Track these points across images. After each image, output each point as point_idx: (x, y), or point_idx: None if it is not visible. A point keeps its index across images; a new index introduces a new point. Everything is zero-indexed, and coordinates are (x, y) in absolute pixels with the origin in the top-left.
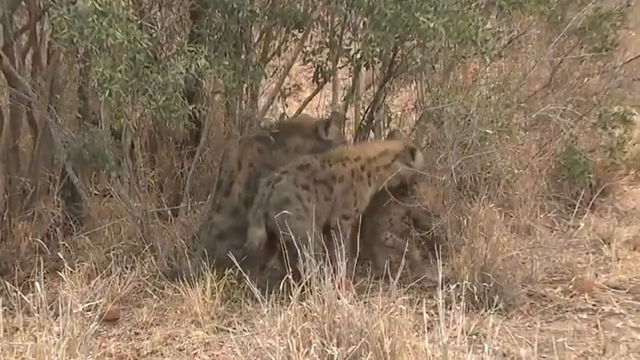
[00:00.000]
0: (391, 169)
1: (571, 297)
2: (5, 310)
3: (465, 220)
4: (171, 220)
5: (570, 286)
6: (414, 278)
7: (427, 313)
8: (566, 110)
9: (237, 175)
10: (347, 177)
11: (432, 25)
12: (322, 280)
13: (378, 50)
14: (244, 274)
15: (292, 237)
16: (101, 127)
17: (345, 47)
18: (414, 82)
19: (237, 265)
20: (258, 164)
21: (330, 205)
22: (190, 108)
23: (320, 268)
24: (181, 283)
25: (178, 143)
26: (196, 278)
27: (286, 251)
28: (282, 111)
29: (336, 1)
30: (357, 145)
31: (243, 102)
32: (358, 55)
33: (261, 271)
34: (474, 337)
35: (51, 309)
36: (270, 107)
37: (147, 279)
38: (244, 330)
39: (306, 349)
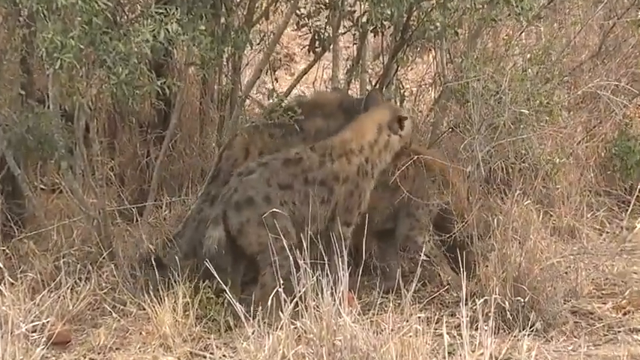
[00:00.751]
0: (389, 149)
1: (624, 314)
2: None
3: (495, 221)
4: (135, 220)
5: (623, 302)
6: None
7: (448, 334)
8: (619, 86)
9: (242, 165)
10: (352, 176)
11: None
12: (320, 294)
13: (388, 12)
14: (223, 286)
15: (247, 248)
16: (49, 107)
17: (349, 9)
18: (432, 51)
19: (215, 274)
20: (269, 153)
21: (327, 210)
22: (159, 83)
23: (317, 279)
24: (147, 297)
25: (143, 126)
26: (165, 291)
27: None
28: (272, 87)
29: None
30: (349, 129)
31: (224, 76)
32: (364, 19)
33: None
34: None
35: None
36: (257, 82)
37: (105, 293)
38: (224, 355)
39: None
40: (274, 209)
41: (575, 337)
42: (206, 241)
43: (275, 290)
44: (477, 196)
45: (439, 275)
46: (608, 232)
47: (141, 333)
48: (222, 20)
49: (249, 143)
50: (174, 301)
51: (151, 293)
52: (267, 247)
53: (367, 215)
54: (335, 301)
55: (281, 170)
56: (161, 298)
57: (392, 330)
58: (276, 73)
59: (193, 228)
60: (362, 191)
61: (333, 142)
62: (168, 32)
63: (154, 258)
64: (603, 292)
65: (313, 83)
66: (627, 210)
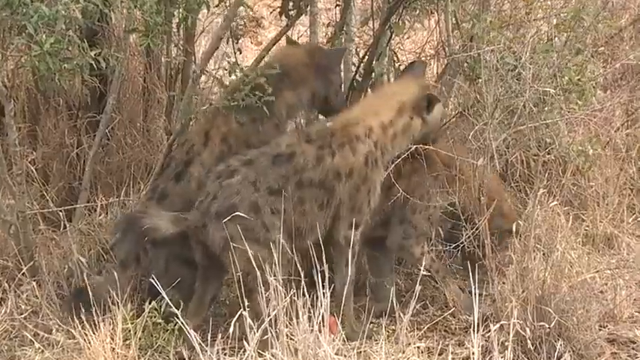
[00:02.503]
0: (408, 134)
1: None
2: None
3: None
4: (62, 226)
5: None
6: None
7: None
8: None
9: (200, 153)
10: (358, 169)
11: None
12: (295, 319)
13: None
14: (173, 309)
15: (235, 266)
16: None
17: None
18: (435, 14)
19: (162, 291)
20: (235, 141)
21: (328, 215)
22: (92, 55)
23: (291, 299)
24: (77, 322)
25: (73, 109)
26: (101, 315)
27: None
28: (234, 58)
29: None
30: (358, 107)
31: (173, 46)
32: None
33: (201, 304)
34: None
35: None
36: (215, 54)
37: (25, 318)
38: None
39: None
40: (264, 222)
41: None
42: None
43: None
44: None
45: (444, 295)
46: None
47: None
48: None
49: (209, 127)
50: (112, 328)
51: (83, 318)
52: (257, 267)
53: None
54: (313, 327)
55: (267, 171)
56: (95, 324)
57: None
58: (240, 42)
59: (136, 233)
60: (371, 185)
61: (334, 127)
62: None
63: (74, 292)
64: None
65: None
66: None
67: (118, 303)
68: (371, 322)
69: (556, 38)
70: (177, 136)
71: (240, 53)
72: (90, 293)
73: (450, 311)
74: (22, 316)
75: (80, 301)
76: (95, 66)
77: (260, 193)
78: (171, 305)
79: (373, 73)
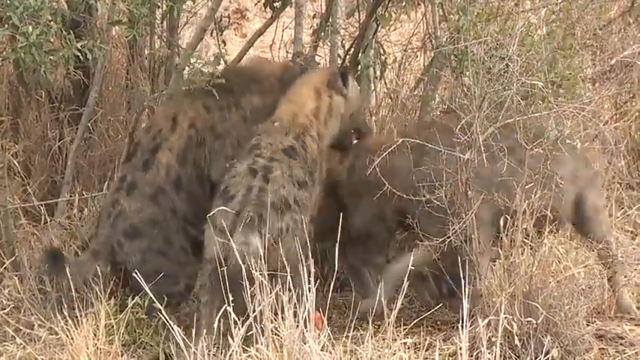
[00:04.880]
0: (335, 113)
1: None
2: None
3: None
4: (44, 221)
5: None
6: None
7: None
8: None
9: (167, 138)
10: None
11: None
12: (280, 315)
13: None
14: (157, 303)
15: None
16: None
17: None
18: (421, 5)
19: (146, 287)
20: (202, 126)
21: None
22: (78, 46)
23: (276, 295)
24: (60, 318)
25: (55, 102)
26: (83, 310)
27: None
28: (219, 51)
29: None
30: (286, 100)
31: (156, 37)
32: None
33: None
34: None
35: None
36: (200, 45)
37: (7, 313)
38: None
39: None
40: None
41: None
42: (242, 250)
43: None
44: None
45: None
46: None
47: None
48: None
49: (176, 111)
50: (95, 324)
51: (65, 313)
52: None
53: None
54: (298, 322)
55: (295, 164)
56: (78, 320)
57: (371, 359)
58: (224, 34)
59: (108, 227)
60: (322, 171)
61: (282, 123)
62: None
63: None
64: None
65: (270, 47)
66: None
67: (101, 298)
68: (357, 318)
69: (544, 30)
70: (134, 127)
71: (224, 45)
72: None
73: (437, 307)
74: (4, 311)
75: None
76: (81, 58)
77: (296, 187)
78: (155, 300)
79: (359, 66)
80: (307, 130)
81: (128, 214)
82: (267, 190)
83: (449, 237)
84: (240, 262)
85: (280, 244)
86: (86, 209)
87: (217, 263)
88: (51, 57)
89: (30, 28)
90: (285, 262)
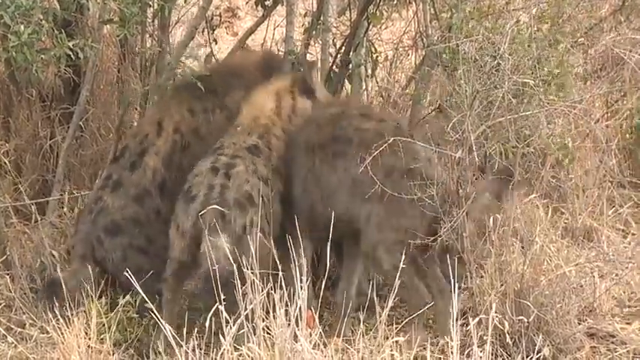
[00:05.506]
0: (303, 116)
1: None
2: None
3: (492, 220)
4: (35, 219)
5: None
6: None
7: None
8: None
9: (154, 143)
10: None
11: None
12: (271, 313)
13: None
14: (147, 301)
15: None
16: None
17: None
18: (412, 4)
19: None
20: (187, 130)
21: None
22: (71, 45)
23: (268, 293)
24: (51, 317)
25: (46, 100)
26: (75, 309)
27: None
28: (210, 49)
29: None
30: (245, 107)
31: (148, 36)
32: None
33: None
34: None
35: None
36: (191, 44)
37: None
38: None
39: None
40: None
41: None
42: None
43: None
44: (468, 187)
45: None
46: (634, 234)
47: None
48: None
49: (162, 116)
50: (86, 322)
51: (57, 312)
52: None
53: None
54: (290, 321)
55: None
56: (69, 319)
57: (362, 357)
58: (215, 32)
59: (89, 222)
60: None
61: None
62: None
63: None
64: (628, 309)
65: (262, 45)
66: None
67: (92, 297)
68: (349, 316)
69: (535, 27)
70: (120, 123)
71: (216, 44)
72: (62, 284)
73: (428, 305)
74: None
75: (53, 293)
76: (72, 57)
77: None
78: (147, 300)
79: (350, 64)
80: (270, 130)
81: (111, 210)
82: (229, 187)
83: (440, 236)
84: (210, 267)
85: (247, 240)
86: (77, 208)
87: (179, 265)
88: (42, 56)
89: (22, 27)
90: (253, 260)
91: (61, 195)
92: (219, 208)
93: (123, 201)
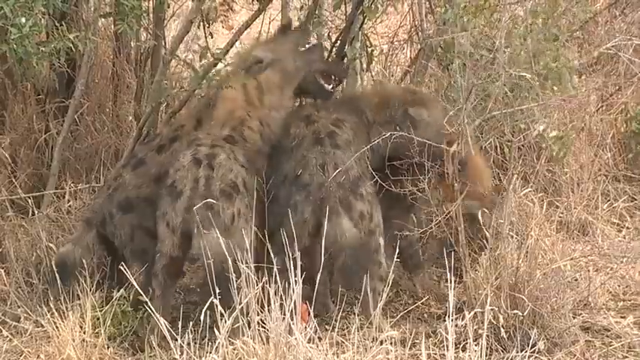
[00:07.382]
0: (270, 89)
1: None
2: None
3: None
4: (31, 213)
5: None
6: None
7: (429, 355)
8: None
9: (188, 133)
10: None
11: None
12: (266, 307)
13: None
14: (142, 294)
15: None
16: None
17: None
18: None
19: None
20: None
21: None
22: (71, 37)
23: (262, 288)
24: (46, 310)
25: (41, 94)
26: (69, 303)
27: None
28: (205, 43)
29: None
30: (219, 104)
31: (143, 30)
32: None
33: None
34: None
35: None
36: (186, 37)
37: None
38: None
39: None
40: None
41: (587, 358)
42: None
43: None
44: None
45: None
46: (628, 228)
47: (39, 356)
48: None
49: (202, 115)
50: (81, 316)
51: (52, 305)
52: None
53: None
54: (285, 315)
55: (237, 149)
56: (64, 312)
57: (357, 351)
58: (211, 26)
59: (105, 196)
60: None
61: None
62: None
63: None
64: (623, 303)
65: (257, 39)
66: None
67: (87, 291)
68: (344, 309)
69: (530, 22)
70: (147, 120)
71: (212, 38)
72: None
73: (424, 299)
74: None
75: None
76: (72, 49)
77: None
78: (141, 292)
79: (345, 58)
80: (244, 122)
81: (127, 187)
82: (213, 177)
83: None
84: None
85: (236, 228)
86: (73, 201)
87: (170, 260)
88: (43, 49)
89: (23, 19)
90: (247, 253)
91: (57, 188)
92: (211, 200)
93: (141, 180)
